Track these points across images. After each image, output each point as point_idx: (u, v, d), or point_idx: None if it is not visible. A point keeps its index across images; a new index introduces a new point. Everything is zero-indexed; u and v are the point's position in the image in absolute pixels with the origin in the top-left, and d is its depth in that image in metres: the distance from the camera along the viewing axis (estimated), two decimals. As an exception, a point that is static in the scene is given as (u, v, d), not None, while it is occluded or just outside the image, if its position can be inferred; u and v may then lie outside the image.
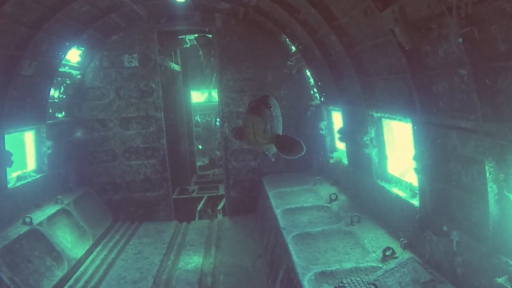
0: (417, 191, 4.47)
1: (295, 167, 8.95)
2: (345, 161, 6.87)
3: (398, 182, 5.21)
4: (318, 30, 5.97)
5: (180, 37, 10.77)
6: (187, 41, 11.14)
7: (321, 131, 7.89)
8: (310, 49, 6.88)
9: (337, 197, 6.49)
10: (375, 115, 5.30)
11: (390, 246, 4.38)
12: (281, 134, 3.64)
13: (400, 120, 4.61)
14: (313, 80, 7.93)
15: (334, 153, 7.53)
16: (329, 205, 6.35)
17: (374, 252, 4.52)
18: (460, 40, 2.86)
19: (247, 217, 8.93)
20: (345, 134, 6.50)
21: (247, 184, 9.20)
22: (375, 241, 4.82)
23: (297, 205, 6.57)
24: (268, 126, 3.27)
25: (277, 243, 5.89)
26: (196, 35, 10.37)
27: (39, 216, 6.39)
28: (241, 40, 8.68)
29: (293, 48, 8.17)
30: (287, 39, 8.10)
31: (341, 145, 7.34)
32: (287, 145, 3.57)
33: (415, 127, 4.11)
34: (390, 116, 4.89)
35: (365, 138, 5.59)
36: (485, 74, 2.88)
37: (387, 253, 4.29)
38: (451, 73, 3.30)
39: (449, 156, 3.62)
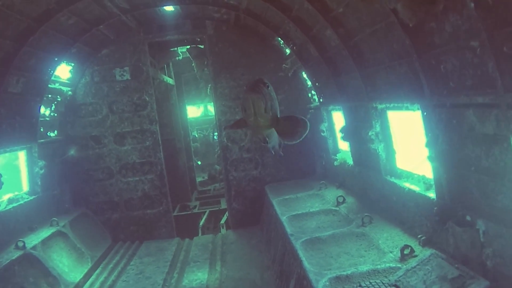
0: (432, 183, 4.16)
1: (297, 173, 8.68)
2: (350, 161, 6.59)
3: (409, 176, 4.90)
4: (313, 26, 5.78)
5: (172, 49, 10.62)
6: (180, 53, 10.99)
7: (322, 133, 7.63)
8: (306, 48, 6.68)
9: (344, 199, 6.18)
10: (379, 107, 5.04)
11: (408, 244, 4.07)
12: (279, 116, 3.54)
13: (407, 108, 4.34)
14: (310, 82, 7.70)
15: (337, 155, 7.24)
16: (337, 208, 6.05)
17: (391, 252, 4.21)
18: (472, 5, 2.62)
19: (252, 229, 8.57)
20: (348, 133, 6.24)
21: (250, 194, 8.87)
22: (390, 240, 4.50)
23: (303, 211, 6.26)
24: (268, 104, 3.17)
25: (285, 251, 5.55)
26: (188, 47, 10.22)
27: (33, 240, 6.05)
28: (234, 47, 8.50)
29: (288, 50, 7.98)
30: (281, 42, 7.92)
31: (344, 146, 7.06)
32: (289, 127, 3.49)
33: (425, 113, 3.84)
34: (395, 105, 4.62)
35: (370, 133, 5.32)
36: (502, 41, 2.62)
37: (405, 252, 3.98)
38: (461, 47, 3.05)
39: (466, 139, 3.34)
